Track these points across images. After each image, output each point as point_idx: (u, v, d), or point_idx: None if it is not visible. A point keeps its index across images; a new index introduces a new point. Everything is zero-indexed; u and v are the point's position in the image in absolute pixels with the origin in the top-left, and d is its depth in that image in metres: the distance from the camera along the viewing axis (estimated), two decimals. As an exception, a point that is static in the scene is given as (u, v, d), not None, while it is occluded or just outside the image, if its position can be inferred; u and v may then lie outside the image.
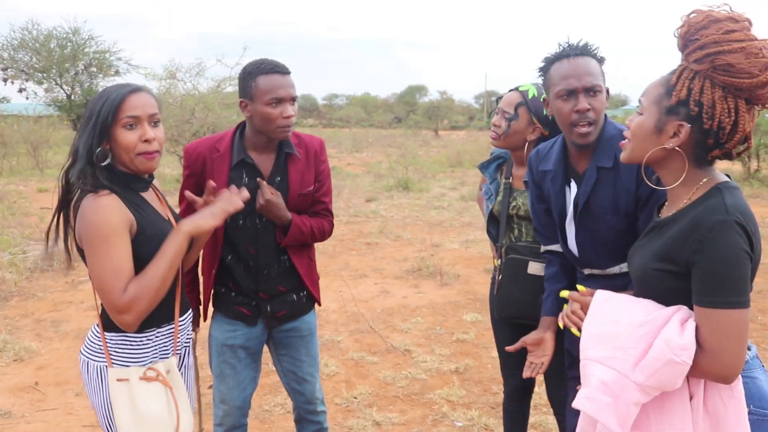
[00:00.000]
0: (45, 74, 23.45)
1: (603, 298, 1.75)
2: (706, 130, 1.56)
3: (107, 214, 1.84)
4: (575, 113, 2.10)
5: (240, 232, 2.51)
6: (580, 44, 2.15)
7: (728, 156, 1.61)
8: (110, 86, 1.97)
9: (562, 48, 2.16)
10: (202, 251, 2.54)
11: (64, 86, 23.80)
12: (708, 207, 1.55)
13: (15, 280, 6.68)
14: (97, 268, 1.85)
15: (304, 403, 2.76)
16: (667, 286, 1.63)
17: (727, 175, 1.67)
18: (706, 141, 1.57)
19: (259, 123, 2.40)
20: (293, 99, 2.42)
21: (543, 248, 2.51)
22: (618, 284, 2.24)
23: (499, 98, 2.79)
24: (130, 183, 1.99)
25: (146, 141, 1.94)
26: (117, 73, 24.65)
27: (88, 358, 2.01)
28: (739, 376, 1.57)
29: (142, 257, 1.91)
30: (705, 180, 1.62)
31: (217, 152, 2.48)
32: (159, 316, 2.03)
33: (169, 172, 16.78)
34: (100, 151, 1.91)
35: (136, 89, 1.94)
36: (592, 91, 2.10)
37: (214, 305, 2.65)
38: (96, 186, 1.88)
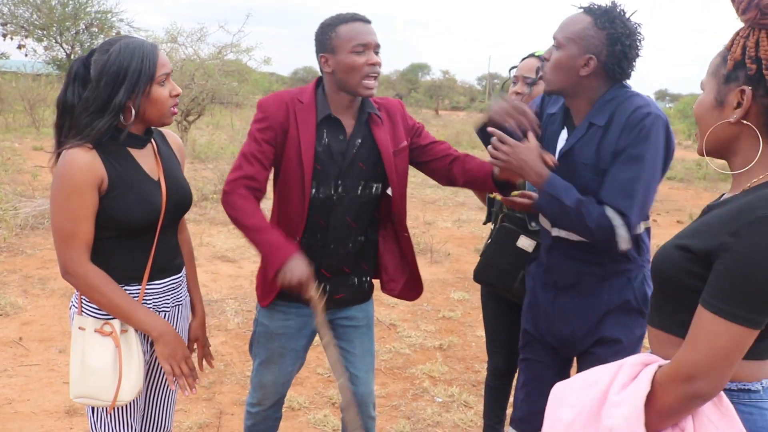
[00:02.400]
0: (45, 32, 23.20)
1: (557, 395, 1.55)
2: None
3: (75, 169, 1.83)
4: None
5: (312, 202, 2.28)
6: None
7: None
8: (129, 40, 1.90)
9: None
10: (277, 213, 2.36)
11: (64, 45, 23.55)
12: (760, 196, 1.30)
13: (5, 236, 6.67)
14: (55, 221, 1.88)
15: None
16: (682, 283, 1.37)
17: None
18: None
19: (343, 76, 2.20)
20: (377, 47, 2.22)
21: None
22: (582, 254, 2.17)
23: (514, 67, 2.81)
24: (121, 137, 1.94)
25: (176, 95, 1.97)
26: (118, 34, 24.40)
27: (72, 304, 2.06)
28: (724, 397, 1.35)
29: (110, 213, 1.90)
30: None
31: (301, 103, 2.26)
32: (127, 275, 2.00)
33: (165, 136, 16.69)
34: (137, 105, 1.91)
35: (156, 46, 1.93)
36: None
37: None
38: (90, 139, 1.87)
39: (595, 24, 2.00)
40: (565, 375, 2.37)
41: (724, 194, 1.48)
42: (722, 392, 1.34)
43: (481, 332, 4.93)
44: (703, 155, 1.48)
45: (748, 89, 1.34)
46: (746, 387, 1.37)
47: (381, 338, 4.76)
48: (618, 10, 2.03)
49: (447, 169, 2.40)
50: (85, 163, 1.84)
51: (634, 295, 2.16)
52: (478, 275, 2.80)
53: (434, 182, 10.25)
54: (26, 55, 24.06)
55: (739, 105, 1.36)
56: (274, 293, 2.36)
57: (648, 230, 2.20)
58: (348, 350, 2.47)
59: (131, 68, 1.86)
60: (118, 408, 1.99)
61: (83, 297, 1.98)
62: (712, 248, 1.30)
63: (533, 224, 2.59)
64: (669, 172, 11.99)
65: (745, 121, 1.36)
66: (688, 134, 22.78)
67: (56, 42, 23.58)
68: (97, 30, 23.86)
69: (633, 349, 2.19)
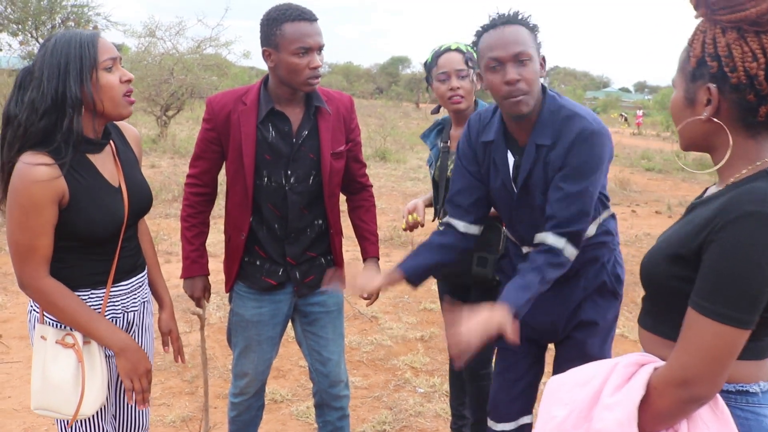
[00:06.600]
0: (20, 26, 22.82)
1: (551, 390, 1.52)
2: (736, 86, 1.27)
3: (33, 184, 1.72)
4: (505, 85, 1.95)
5: (264, 191, 2.35)
6: (510, 13, 2.02)
7: None
8: (67, 32, 1.79)
9: (491, 18, 2.03)
10: (225, 212, 2.48)
11: (40, 39, 23.24)
12: (745, 191, 1.24)
13: (-18, 233, 6.61)
14: (13, 236, 1.78)
15: (327, 387, 2.60)
16: (674, 288, 1.34)
17: None
18: (746, 98, 1.28)
19: (284, 74, 2.23)
20: (321, 48, 2.24)
21: (446, 219, 2.29)
22: None
23: (429, 65, 2.73)
24: (79, 145, 1.82)
25: (127, 81, 1.86)
26: (96, 28, 24.13)
27: (32, 308, 1.97)
28: (719, 399, 1.32)
29: (71, 227, 1.83)
30: (760, 162, 1.31)
31: (244, 105, 2.31)
32: (91, 281, 1.93)
33: (146, 132, 16.59)
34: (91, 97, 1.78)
35: (97, 33, 1.83)
36: (519, 60, 1.94)
37: (237, 275, 2.49)
38: (52, 144, 1.76)
39: None
40: (540, 363, 2.42)
41: (708, 188, 1.46)
42: (718, 394, 1.32)
43: (463, 323, 4.96)
44: (684, 150, 1.46)
45: (713, 87, 1.30)
46: (744, 389, 1.34)
47: (363, 330, 4.79)
48: None
49: (346, 193, 2.62)
50: (45, 177, 1.73)
51: (609, 277, 2.22)
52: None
53: (415, 175, 10.26)
54: (0, 50, 23.73)
55: (709, 102, 1.32)
56: (231, 279, 2.50)
57: (613, 216, 2.26)
58: (321, 335, 2.55)
59: (71, 56, 1.75)
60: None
61: None
62: (699, 248, 1.27)
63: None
64: (648, 163, 12.00)
65: (714, 119, 1.32)
66: (666, 125, 22.98)
67: (32, 36, 23.26)
68: (73, 24, 23.56)
69: (608, 331, 2.26)
